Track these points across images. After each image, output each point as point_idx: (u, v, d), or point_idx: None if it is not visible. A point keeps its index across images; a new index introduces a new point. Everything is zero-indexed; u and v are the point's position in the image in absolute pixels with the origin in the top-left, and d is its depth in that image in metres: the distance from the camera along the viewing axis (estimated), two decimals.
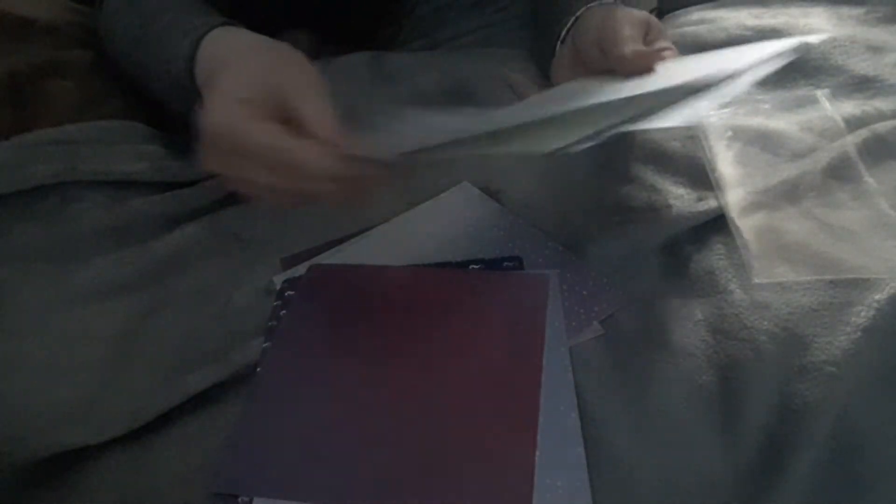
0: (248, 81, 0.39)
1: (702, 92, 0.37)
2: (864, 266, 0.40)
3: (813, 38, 0.48)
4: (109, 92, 0.54)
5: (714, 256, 0.43)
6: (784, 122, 0.51)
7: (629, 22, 0.47)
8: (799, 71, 0.56)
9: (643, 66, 0.44)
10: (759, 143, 0.50)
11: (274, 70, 0.40)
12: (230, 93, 0.39)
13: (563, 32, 0.53)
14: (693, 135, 0.51)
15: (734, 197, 0.46)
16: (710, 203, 0.45)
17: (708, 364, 0.39)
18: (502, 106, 0.56)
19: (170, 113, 0.55)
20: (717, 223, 0.45)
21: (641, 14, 0.49)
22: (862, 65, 0.55)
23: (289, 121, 0.38)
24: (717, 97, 0.37)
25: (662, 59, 0.45)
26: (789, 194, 0.46)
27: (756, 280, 0.41)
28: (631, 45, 0.44)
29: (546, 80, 0.57)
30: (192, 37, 0.45)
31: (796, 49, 0.42)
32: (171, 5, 0.50)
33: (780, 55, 0.41)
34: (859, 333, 0.37)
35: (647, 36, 0.48)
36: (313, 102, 0.38)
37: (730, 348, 0.39)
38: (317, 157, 0.36)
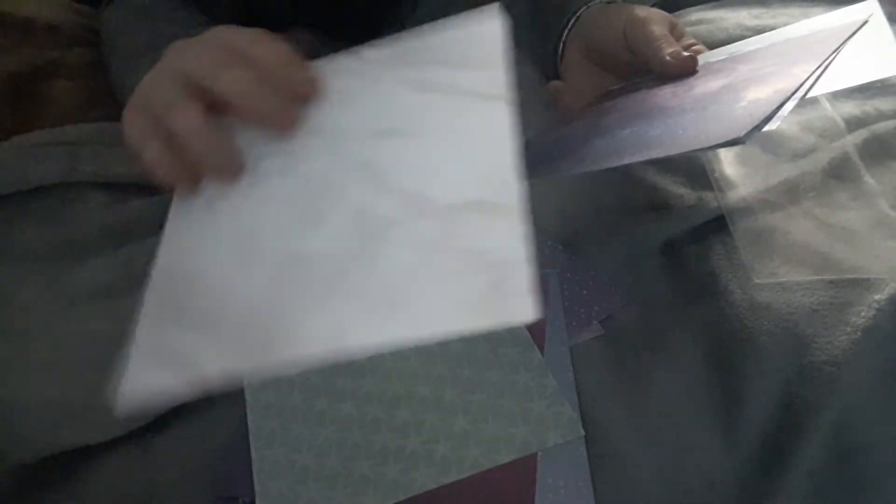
0: None
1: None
2: (864, 266, 0.40)
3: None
4: (110, 92, 0.54)
5: (714, 256, 0.43)
6: (784, 122, 0.51)
7: (657, 22, 0.47)
8: None
9: (688, 69, 0.45)
10: (759, 143, 0.50)
11: None
12: None
13: (565, 34, 0.53)
14: None
15: (734, 197, 0.46)
16: (710, 203, 0.45)
17: (708, 364, 0.39)
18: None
19: None
20: (717, 223, 0.45)
21: (661, 13, 0.49)
22: None
23: None
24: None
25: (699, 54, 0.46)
26: (789, 194, 0.46)
27: (756, 280, 0.41)
28: (669, 48, 0.45)
29: (546, 81, 0.57)
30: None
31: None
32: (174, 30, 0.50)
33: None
34: (859, 333, 0.37)
35: (673, 33, 0.48)
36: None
37: (730, 348, 0.39)
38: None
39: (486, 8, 0.33)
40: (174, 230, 0.34)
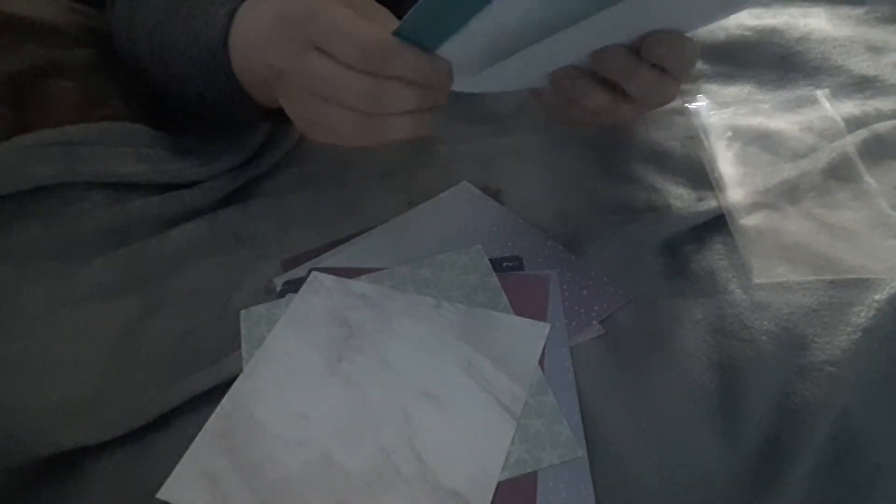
0: None
1: None
2: (864, 266, 0.40)
3: None
4: (110, 93, 0.54)
5: (714, 256, 0.43)
6: (784, 122, 0.51)
7: None
8: (799, 71, 0.56)
9: None
10: (759, 143, 0.50)
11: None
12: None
13: None
14: (693, 135, 0.51)
15: (734, 197, 0.46)
16: (710, 203, 0.46)
17: (708, 364, 0.39)
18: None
19: (176, 109, 0.54)
20: (717, 223, 0.45)
21: None
22: (862, 65, 0.55)
23: None
24: None
25: None
26: (789, 194, 0.46)
27: (756, 280, 0.41)
28: None
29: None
30: (228, 6, 0.43)
31: None
32: None
33: None
34: (859, 333, 0.37)
35: None
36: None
37: (730, 348, 0.39)
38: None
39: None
40: (263, 359, 0.41)
